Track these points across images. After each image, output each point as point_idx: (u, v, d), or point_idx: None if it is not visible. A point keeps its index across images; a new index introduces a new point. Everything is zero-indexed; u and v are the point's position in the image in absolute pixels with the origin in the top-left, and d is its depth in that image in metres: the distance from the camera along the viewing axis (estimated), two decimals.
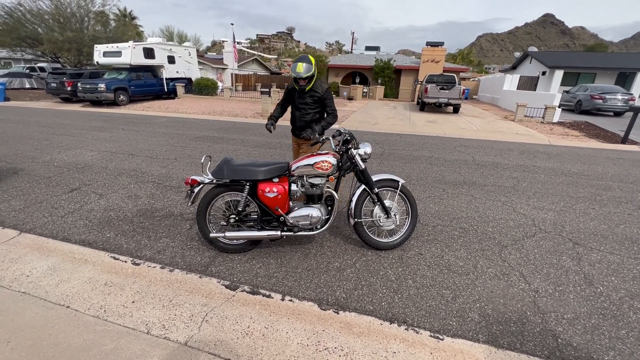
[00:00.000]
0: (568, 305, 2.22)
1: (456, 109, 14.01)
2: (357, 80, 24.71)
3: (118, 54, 14.36)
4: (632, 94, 14.60)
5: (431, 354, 1.78)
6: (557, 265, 2.70)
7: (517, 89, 18.55)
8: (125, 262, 2.57)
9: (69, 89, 13.62)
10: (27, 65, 24.75)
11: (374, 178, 2.75)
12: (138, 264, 2.54)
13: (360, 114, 13.21)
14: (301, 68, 2.93)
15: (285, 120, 3.66)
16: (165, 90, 16.32)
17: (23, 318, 1.93)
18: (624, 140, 8.35)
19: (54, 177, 4.53)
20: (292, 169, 2.62)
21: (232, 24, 22.01)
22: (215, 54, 44.25)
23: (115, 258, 2.61)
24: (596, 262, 2.77)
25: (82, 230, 3.07)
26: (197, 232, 3.03)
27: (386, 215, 2.78)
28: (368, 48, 30.40)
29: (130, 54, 14.12)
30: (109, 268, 2.47)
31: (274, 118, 3.31)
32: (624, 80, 20.16)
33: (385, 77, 22.99)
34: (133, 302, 2.11)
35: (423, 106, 14.60)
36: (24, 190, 4.03)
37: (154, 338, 1.82)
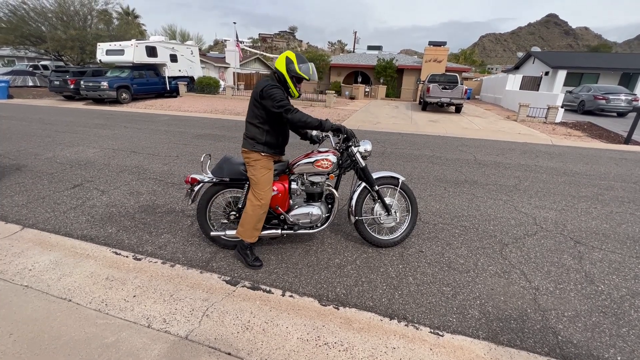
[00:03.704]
0: (569, 303, 2.21)
1: (458, 109, 13.98)
2: (359, 79, 24.68)
3: (121, 52, 14.40)
4: (635, 95, 14.53)
5: (431, 349, 1.78)
6: (558, 264, 2.69)
7: (519, 89, 18.48)
8: (127, 257, 2.58)
9: (71, 86, 13.70)
10: (30, 63, 24.92)
11: (375, 175, 2.75)
12: (139, 259, 2.55)
13: (362, 113, 13.20)
14: (314, 70, 2.38)
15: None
16: (168, 88, 16.37)
17: (25, 311, 1.94)
18: (627, 140, 8.31)
19: (56, 174, 4.55)
20: (292, 167, 2.62)
21: (234, 23, 22.11)
22: (217, 52, 44.31)
23: (116, 253, 2.63)
24: (597, 260, 2.76)
25: (84, 226, 3.09)
26: (198, 228, 3.03)
27: (387, 213, 2.78)
28: (370, 47, 30.33)
29: (133, 52, 14.15)
30: (110, 263, 2.49)
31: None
32: (628, 80, 20.06)
33: (387, 76, 22.94)
34: (134, 296, 2.12)
35: (425, 106, 14.57)
36: (27, 186, 4.06)
37: (154, 332, 1.83)
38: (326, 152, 2.60)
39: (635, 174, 5.49)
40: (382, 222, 2.80)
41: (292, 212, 2.62)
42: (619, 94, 14.08)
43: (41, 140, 6.57)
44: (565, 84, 20.00)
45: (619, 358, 1.79)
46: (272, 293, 2.22)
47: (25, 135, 7.02)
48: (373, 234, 2.83)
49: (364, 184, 2.75)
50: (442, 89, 13.36)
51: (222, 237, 2.67)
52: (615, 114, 14.52)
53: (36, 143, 6.29)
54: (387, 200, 2.78)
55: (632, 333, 1.97)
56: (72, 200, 3.67)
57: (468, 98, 20.79)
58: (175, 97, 16.75)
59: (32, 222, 3.13)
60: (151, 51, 15.09)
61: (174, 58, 16.69)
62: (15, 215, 3.25)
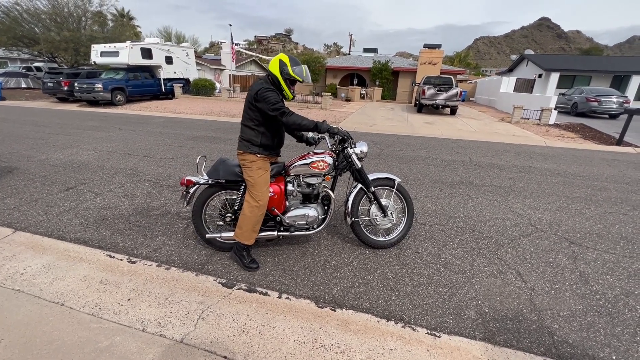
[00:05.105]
0: (564, 303, 2.23)
1: (453, 111, 14.09)
2: (355, 81, 24.75)
3: (115, 54, 14.31)
4: (627, 97, 14.76)
5: (428, 351, 1.78)
6: (553, 264, 2.71)
7: (513, 91, 18.67)
8: (121, 260, 2.55)
9: (65, 88, 13.55)
10: (24, 65, 24.63)
11: (371, 177, 2.74)
12: (134, 262, 2.52)
13: (358, 115, 13.24)
14: (307, 72, 2.42)
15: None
16: (163, 90, 16.27)
17: (17, 315, 1.91)
18: (619, 142, 8.43)
19: (49, 176, 4.50)
20: (289, 168, 2.61)
21: (230, 25, 22.05)
22: (213, 55, 44.23)
23: (111, 256, 2.59)
24: (592, 260, 2.79)
25: (78, 229, 3.05)
26: (194, 230, 3.01)
27: (383, 214, 2.78)
28: (366, 50, 30.45)
29: (127, 54, 14.06)
30: (104, 266, 2.45)
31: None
32: (619, 83, 20.40)
33: (383, 78, 23.06)
34: (129, 299, 2.09)
35: (420, 108, 14.65)
36: (19, 188, 4.00)
37: (149, 335, 1.80)
38: (322, 153, 2.60)
39: (628, 175, 5.56)
40: (378, 223, 2.80)
41: (289, 214, 2.61)
42: (610, 96, 14.31)
43: (34, 142, 6.49)
44: (558, 87, 20.30)
45: (613, 357, 1.80)
46: (269, 295, 2.21)
47: (18, 137, 6.93)
48: (369, 235, 2.83)
49: (360, 186, 2.75)
50: (437, 91, 13.45)
51: (218, 239, 2.65)
52: (607, 116, 14.73)
53: (29, 145, 6.21)
54: (384, 201, 2.78)
55: (627, 332, 1.98)
56: (65, 203, 3.62)
57: (463, 100, 21.00)
58: (171, 99, 16.66)
59: (24, 225, 3.09)
60: (146, 53, 15.01)
61: (169, 60, 16.62)
62: (7, 218, 3.20)
